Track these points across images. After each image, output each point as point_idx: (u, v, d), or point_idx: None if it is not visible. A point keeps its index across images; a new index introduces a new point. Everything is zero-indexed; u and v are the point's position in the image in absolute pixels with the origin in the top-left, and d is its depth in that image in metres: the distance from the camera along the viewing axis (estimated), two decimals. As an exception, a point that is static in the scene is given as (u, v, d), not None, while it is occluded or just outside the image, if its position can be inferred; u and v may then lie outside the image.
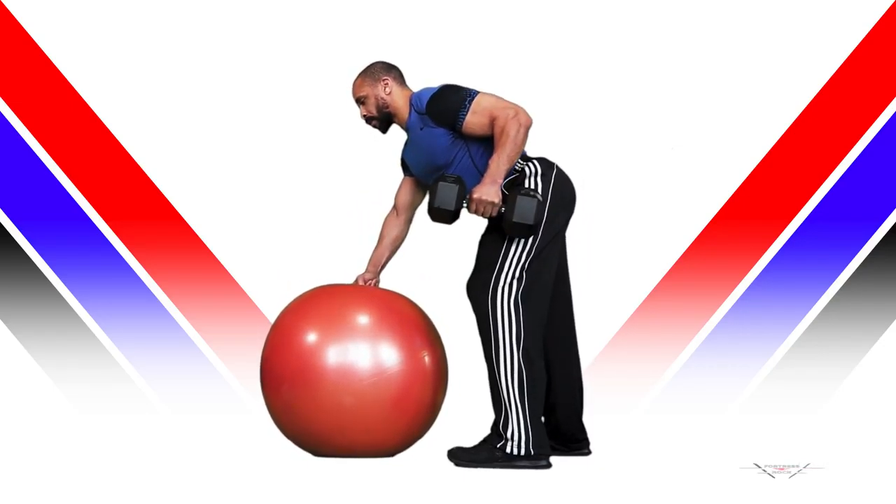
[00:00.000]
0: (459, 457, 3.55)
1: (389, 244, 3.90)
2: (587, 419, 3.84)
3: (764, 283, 5.06)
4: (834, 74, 5.07)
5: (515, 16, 5.21)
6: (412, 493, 3.23)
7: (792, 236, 5.07)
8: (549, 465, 3.52)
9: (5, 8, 5.01)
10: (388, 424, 3.58)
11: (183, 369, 5.01)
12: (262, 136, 5.18)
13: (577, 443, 3.83)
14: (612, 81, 5.18)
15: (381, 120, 3.79)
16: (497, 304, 3.53)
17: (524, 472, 3.46)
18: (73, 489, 3.26)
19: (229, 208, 5.15)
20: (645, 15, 5.20)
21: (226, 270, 5.11)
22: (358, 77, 3.80)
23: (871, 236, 5.02)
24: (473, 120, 3.57)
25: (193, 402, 4.97)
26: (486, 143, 3.60)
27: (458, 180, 3.52)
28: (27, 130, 5.03)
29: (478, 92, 3.60)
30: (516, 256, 3.55)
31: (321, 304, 3.69)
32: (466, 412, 3.95)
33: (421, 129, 3.67)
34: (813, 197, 5.07)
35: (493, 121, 3.54)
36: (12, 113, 5.02)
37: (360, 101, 3.80)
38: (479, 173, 3.58)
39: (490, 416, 3.59)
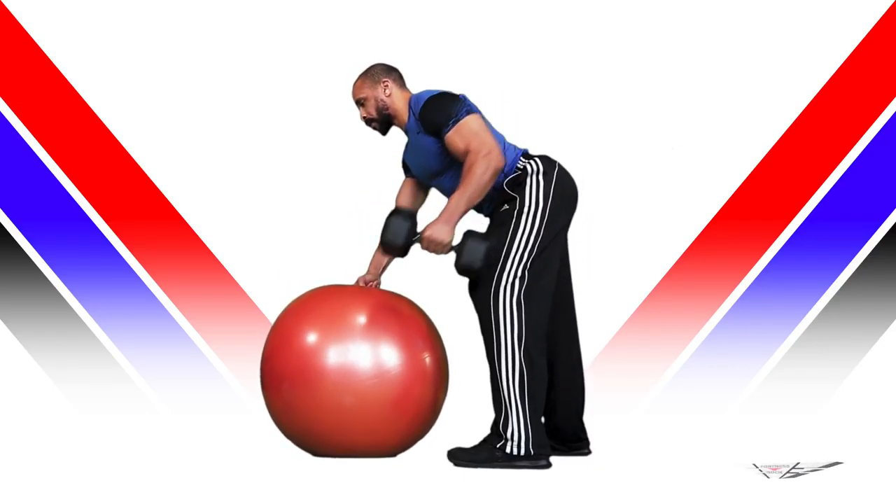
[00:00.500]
0: (459, 457, 3.55)
1: (391, 246, 3.89)
2: (587, 419, 3.84)
3: (764, 283, 5.06)
4: (834, 74, 5.07)
5: (516, 16, 5.21)
6: (412, 493, 3.23)
7: (792, 236, 5.07)
8: (549, 465, 3.52)
9: (5, 8, 5.01)
10: (389, 425, 3.58)
11: (183, 369, 5.01)
12: (262, 137, 5.18)
13: (577, 443, 3.82)
14: (613, 81, 5.18)
15: (381, 122, 3.78)
16: (499, 303, 3.52)
17: (524, 472, 3.46)
18: (74, 489, 3.26)
19: (229, 209, 5.15)
20: (645, 15, 5.20)
21: (226, 270, 5.10)
22: (358, 79, 3.80)
23: (871, 236, 5.02)
24: (454, 139, 3.55)
25: (193, 402, 4.97)
26: None
27: (410, 216, 3.59)
28: (27, 130, 5.03)
29: (469, 112, 3.56)
30: (518, 255, 3.54)
31: (322, 304, 3.69)
32: (467, 412, 3.94)
33: (417, 132, 3.68)
34: (813, 197, 5.07)
35: (466, 150, 3.52)
36: (12, 113, 5.02)
37: (359, 102, 3.79)
38: None
39: (490, 416, 3.59)
